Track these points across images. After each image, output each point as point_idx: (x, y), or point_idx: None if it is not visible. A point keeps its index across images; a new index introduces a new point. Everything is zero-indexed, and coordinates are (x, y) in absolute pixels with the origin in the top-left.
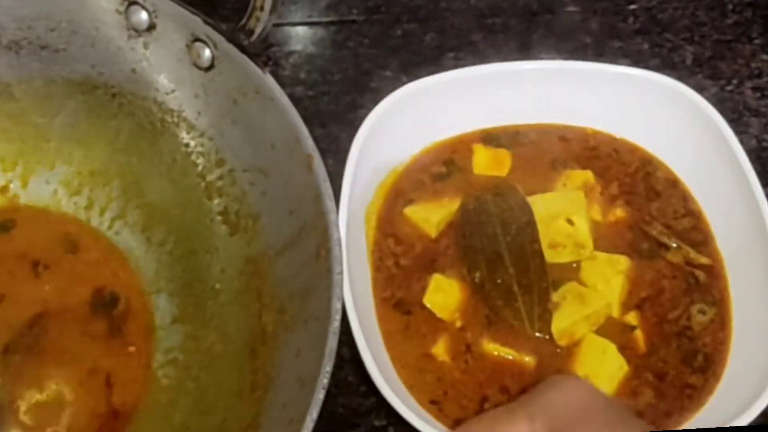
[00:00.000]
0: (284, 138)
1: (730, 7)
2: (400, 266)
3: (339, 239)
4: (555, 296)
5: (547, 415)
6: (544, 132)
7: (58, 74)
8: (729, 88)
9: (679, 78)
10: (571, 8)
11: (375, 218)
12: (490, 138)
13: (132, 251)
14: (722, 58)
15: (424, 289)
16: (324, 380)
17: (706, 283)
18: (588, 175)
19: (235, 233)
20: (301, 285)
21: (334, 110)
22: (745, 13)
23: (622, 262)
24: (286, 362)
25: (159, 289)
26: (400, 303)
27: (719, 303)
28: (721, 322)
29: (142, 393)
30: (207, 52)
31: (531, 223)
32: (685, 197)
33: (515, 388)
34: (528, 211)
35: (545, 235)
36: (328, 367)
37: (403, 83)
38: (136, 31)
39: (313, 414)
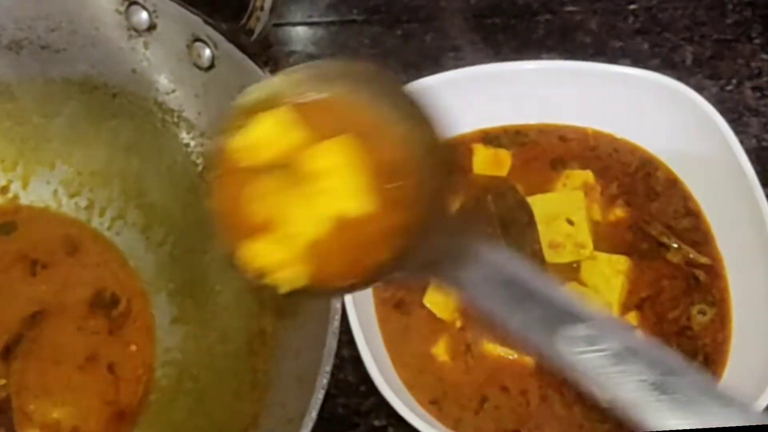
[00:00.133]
0: None
1: (730, 7)
2: None
3: None
4: None
5: None
6: (544, 132)
7: (59, 74)
8: (729, 88)
9: (679, 78)
10: (571, 8)
11: None
12: (490, 138)
13: (132, 251)
14: (722, 58)
15: (423, 289)
16: (323, 380)
17: (706, 283)
18: (588, 175)
19: None
20: None
21: None
22: (745, 13)
23: (622, 262)
24: (286, 362)
25: (159, 289)
26: (400, 304)
27: (719, 303)
28: (721, 322)
29: (144, 393)
30: (207, 52)
31: (531, 224)
32: (685, 197)
33: (516, 388)
34: (528, 211)
35: (545, 235)
36: (327, 367)
37: (403, 83)
38: (136, 31)
39: (313, 413)
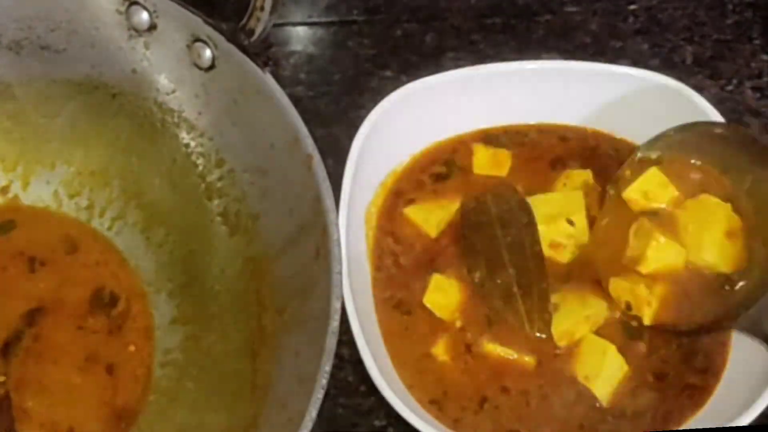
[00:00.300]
0: (284, 138)
1: (730, 7)
2: (400, 266)
3: (338, 239)
4: (554, 297)
5: None
6: (544, 132)
7: (59, 74)
8: (729, 88)
9: (679, 78)
10: (571, 8)
11: (375, 218)
12: (490, 138)
13: (132, 251)
14: (722, 58)
15: (423, 289)
16: (323, 380)
17: None
18: (588, 175)
19: (234, 234)
20: (301, 285)
21: (334, 110)
22: (745, 13)
23: None
24: (286, 362)
25: (159, 289)
26: (400, 304)
27: None
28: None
29: (143, 394)
30: (207, 53)
31: (531, 224)
32: None
33: (515, 388)
34: (528, 211)
35: (545, 235)
36: (327, 366)
37: (403, 83)
38: (136, 31)
39: (312, 413)
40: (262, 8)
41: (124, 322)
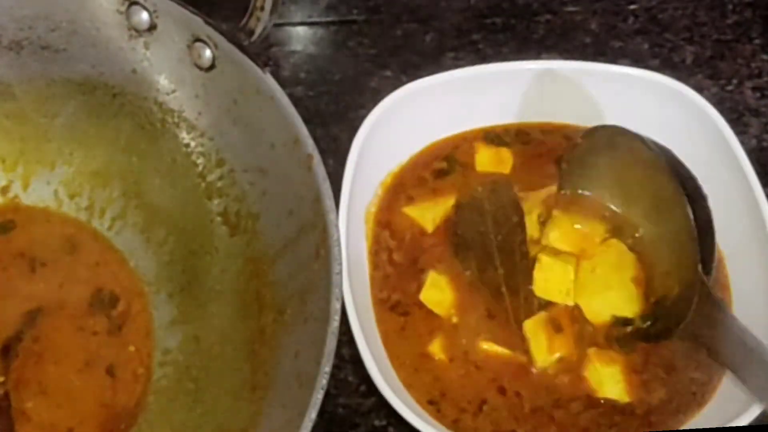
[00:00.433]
0: (284, 138)
1: (730, 7)
2: (397, 263)
3: (338, 239)
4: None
5: None
6: (545, 131)
7: (59, 74)
8: (729, 88)
9: (679, 78)
10: (571, 8)
11: (375, 218)
12: (491, 137)
13: (132, 252)
14: (722, 58)
15: (419, 287)
16: (323, 381)
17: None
18: None
19: (235, 234)
20: (301, 285)
21: (334, 110)
22: (745, 13)
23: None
24: (286, 363)
25: (159, 289)
26: (397, 305)
27: (722, 291)
28: None
29: (142, 394)
30: (208, 53)
31: (520, 224)
32: None
33: (512, 387)
34: (519, 211)
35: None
36: (327, 367)
37: (403, 83)
38: (136, 31)
39: (312, 414)
40: (262, 8)
41: (124, 323)
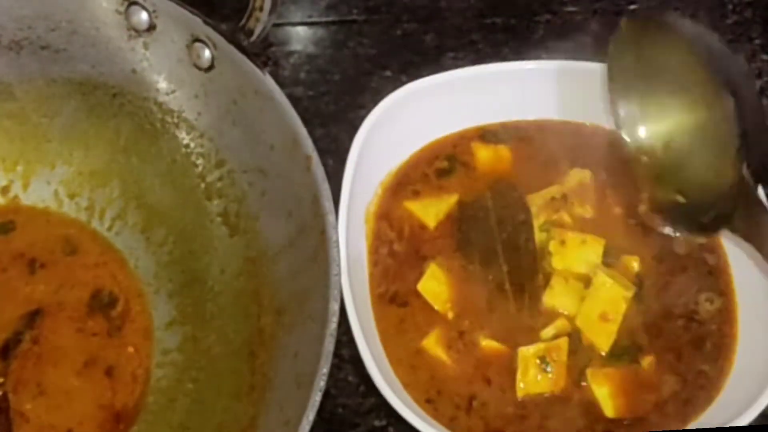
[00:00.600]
0: (283, 139)
1: (730, 7)
2: (398, 253)
3: (337, 241)
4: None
5: None
6: (544, 129)
7: (59, 74)
8: None
9: None
10: (571, 8)
11: (374, 217)
12: (489, 135)
13: (132, 252)
14: None
15: (418, 278)
16: (321, 382)
17: (715, 271)
18: (587, 175)
19: (234, 234)
20: (299, 286)
21: (334, 110)
22: (745, 13)
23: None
24: (284, 363)
25: (158, 289)
26: (395, 296)
27: (726, 295)
28: (727, 313)
29: (141, 395)
30: (207, 53)
31: (527, 222)
32: None
33: (508, 384)
34: (525, 209)
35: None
36: (324, 369)
37: (403, 83)
38: (136, 31)
39: (310, 416)
40: (261, 8)
41: (124, 323)
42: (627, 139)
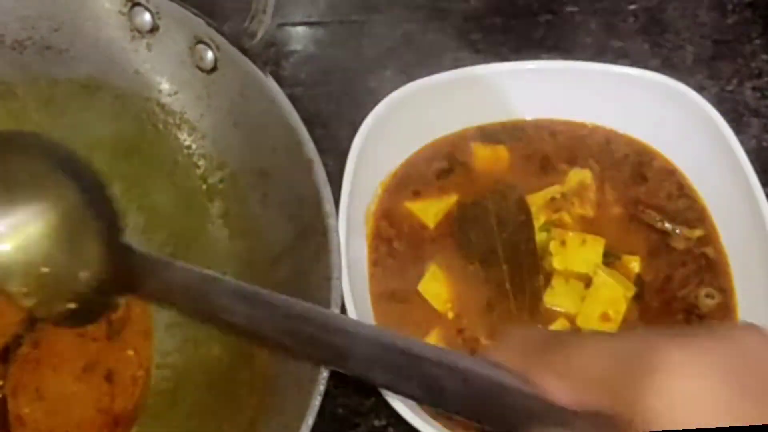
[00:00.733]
0: (285, 141)
1: (730, 7)
2: (398, 251)
3: (338, 245)
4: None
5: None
6: (542, 128)
7: (62, 75)
8: (729, 88)
9: (679, 78)
10: (571, 8)
11: (374, 217)
12: (487, 134)
13: None
14: (722, 59)
15: (419, 278)
16: (320, 386)
17: (714, 265)
18: (586, 175)
19: (235, 236)
20: (300, 291)
21: (334, 110)
22: (745, 13)
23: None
24: (284, 367)
25: None
26: (395, 293)
27: (726, 292)
28: (727, 309)
29: (141, 397)
30: (209, 54)
31: (527, 223)
32: (690, 197)
33: None
34: (526, 210)
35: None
36: (324, 372)
37: (403, 83)
38: (139, 32)
39: (309, 420)
40: (264, 11)
41: (124, 327)
42: None
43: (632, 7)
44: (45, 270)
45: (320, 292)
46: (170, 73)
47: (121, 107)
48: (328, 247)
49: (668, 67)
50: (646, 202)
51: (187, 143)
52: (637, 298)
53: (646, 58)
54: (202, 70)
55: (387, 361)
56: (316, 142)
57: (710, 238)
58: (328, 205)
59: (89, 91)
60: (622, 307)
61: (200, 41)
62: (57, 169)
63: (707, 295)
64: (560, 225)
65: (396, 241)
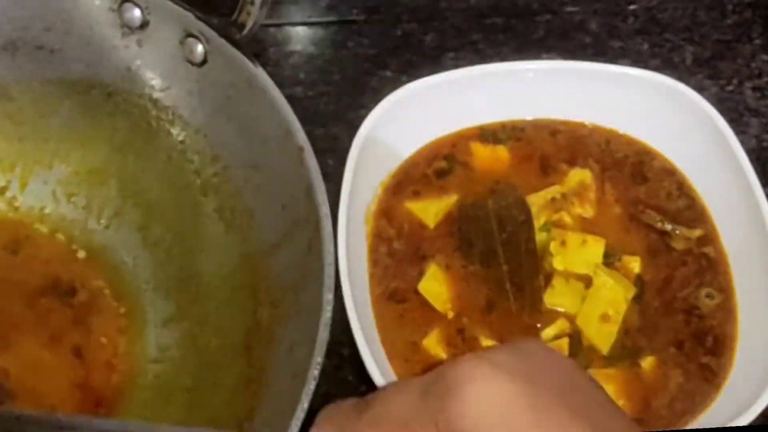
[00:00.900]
0: (276, 131)
1: (730, 7)
2: (398, 251)
3: (330, 232)
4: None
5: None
6: (542, 128)
7: (54, 74)
8: (729, 88)
9: (679, 78)
10: (571, 8)
11: (375, 217)
12: (487, 134)
13: (129, 250)
14: (722, 58)
15: (418, 277)
16: (315, 371)
17: (715, 265)
18: (586, 175)
19: (230, 229)
20: (295, 279)
21: (334, 110)
22: (745, 13)
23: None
24: (281, 356)
25: (156, 287)
26: (395, 292)
27: (726, 291)
28: (727, 310)
29: (123, 385)
30: (200, 48)
31: (527, 222)
32: (690, 196)
33: None
34: (526, 210)
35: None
36: (319, 358)
37: (403, 83)
38: (129, 28)
39: (305, 404)
40: (252, 2)
41: (88, 314)
42: None
43: (632, 7)
44: None
45: (315, 279)
46: (161, 68)
47: (113, 104)
48: (321, 236)
49: (668, 67)
50: (646, 202)
51: (180, 138)
52: (637, 298)
53: (646, 58)
54: (192, 63)
55: None
56: (316, 142)
57: (710, 238)
58: (320, 193)
59: (82, 89)
60: (623, 307)
61: (190, 35)
62: None
63: (707, 295)
64: (560, 225)
65: (396, 240)
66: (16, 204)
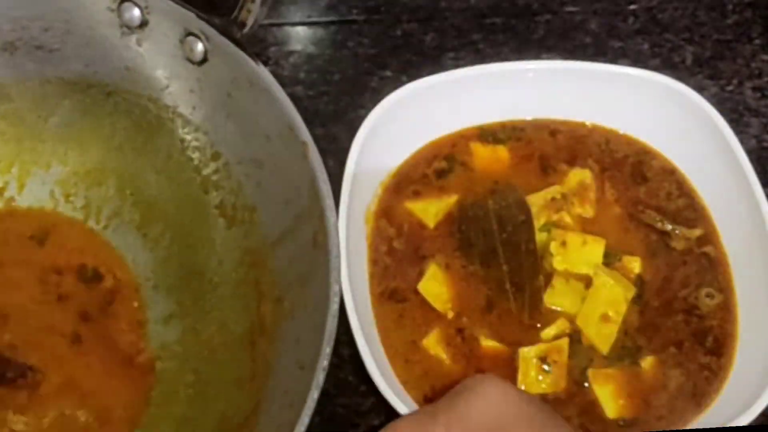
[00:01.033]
0: (278, 128)
1: (730, 7)
2: (397, 250)
3: (335, 224)
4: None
5: (465, 424)
6: (542, 128)
7: (53, 74)
8: (729, 88)
9: (679, 78)
10: (571, 8)
11: (374, 217)
12: (487, 134)
13: (129, 248)
14: (722, 58)
15: (418, 277)
16: (324, 362)
17: (714, 265)
18: (586, 175)
19: (232, 226)
20: (299, 273)
21: (334, 110)
22: (745, 13)
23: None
24: (286, 349)
25: (157, 284)
26: (395, 292)
27: (725, 291)
28: (727, 309)
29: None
30: (200, 46)
31: (527, 222)
32: (690, 196)
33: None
34: (526, 210)
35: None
36: (328, 348)
37: (403, 83)
38: (128, 28)
39: (315, 395)
40: (252, 0)
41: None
42: None
43: (632, 7)
44: None
45: (321, 272)
46: (161, 67)
47: (113, 104)
48: (327, 228)
49: (668, 67)
50: (646, 202)
51: (180, 137)
52: (637, 298)
53: (646, 58)
54: (193, 62)
55: None
56: (316, 142)
57: (710, 238)
58: (325, 185)
59: (81, 89)
60: (623, 307)
61: (190, 34)
62: None
63: (707, 295)
64: (560, 225)
65: (396, 240)
66: (14, 205)
